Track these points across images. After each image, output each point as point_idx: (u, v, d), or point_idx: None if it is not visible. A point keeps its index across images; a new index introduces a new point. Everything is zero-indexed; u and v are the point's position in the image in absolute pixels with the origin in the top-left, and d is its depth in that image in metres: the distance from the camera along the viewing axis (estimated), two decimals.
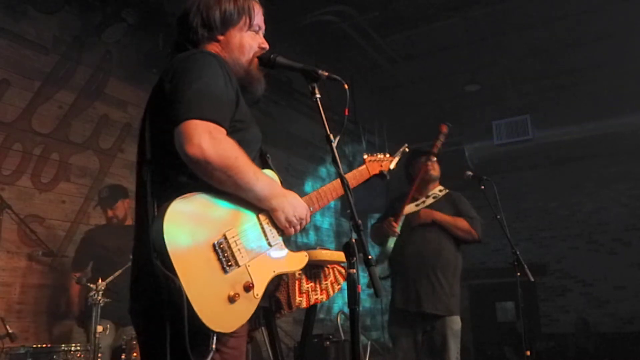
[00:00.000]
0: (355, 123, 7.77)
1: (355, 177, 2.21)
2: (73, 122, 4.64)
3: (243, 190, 1.49)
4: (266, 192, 1.55)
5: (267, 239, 1.58)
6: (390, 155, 2.50)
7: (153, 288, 1.38)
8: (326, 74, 1.67)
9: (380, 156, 2.44)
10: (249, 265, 1.49)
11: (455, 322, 3.62)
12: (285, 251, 1.64)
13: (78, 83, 4.72)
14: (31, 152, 4.31)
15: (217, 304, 1.39)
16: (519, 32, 6.53)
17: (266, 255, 1.57)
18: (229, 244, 1.46)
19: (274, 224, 1.61)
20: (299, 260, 1.69)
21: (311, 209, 1.77)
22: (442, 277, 3.66)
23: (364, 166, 2.28)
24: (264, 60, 1.74)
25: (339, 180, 1.70)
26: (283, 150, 7.08)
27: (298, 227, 1.63)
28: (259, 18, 1.76)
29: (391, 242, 3.73)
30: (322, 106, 1.64)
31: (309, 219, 1.67)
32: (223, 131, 1.46)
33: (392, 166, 2.46)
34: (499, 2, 5.87)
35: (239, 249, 1.48)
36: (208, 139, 1.40)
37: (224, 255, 1.44)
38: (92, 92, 4.82)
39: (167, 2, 4.89)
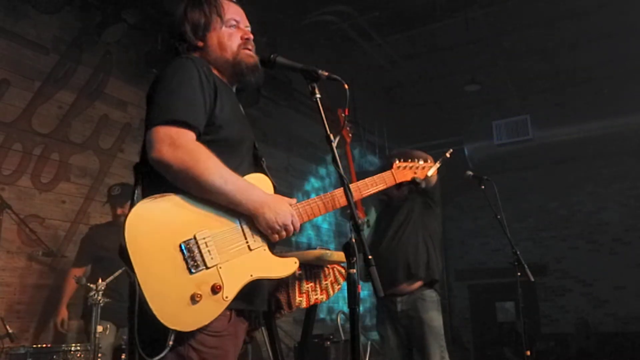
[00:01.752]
0: (356, 123, 7.78)
1: (375, 182, 1.97)
2: (73, 122, 4.64)
3: (211, 193, 1.49)
4: (239, 197, 1.53)
5: (247, 243, 1.57)
6: (430, 162, 2.24)
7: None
8: (326, 74, 1.67)
9: (417, 163, 2.18)
10: (220, 267, 1.48)
11: (433, 319, 3.52)
12: (268, 256, 1.61)
13: (78, 83, 4.72)
14: (31, 152, 4.31)
15: (177, 302, 1.40)
16: (519, 32, 6.53)
17: (244, 259, 1.55)
18: (197, 245, 1.46)
19: (257, 228, 1.60)
20: (286, 266, 1.65)
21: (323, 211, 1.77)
22: (414, 267, 3.59)
23: (389, 172, 2.06)
24: (264, 60, 1.75)
25: (342, 189, 1.69)
26: (283, 150, 7.08)
27: (283, 234, 1.60)
28: (231, 13, 1.79)
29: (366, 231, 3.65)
30: (322, 106, 1.64)
31: (297, 226, 1.63)
32: (187, 134, 1.48)
33: (429, 173, 2.21)
34: (499, 2, 5.87)
35: (209, 250, 1.48)
36: (167, 144, 1.44)
37: (190, 255, 1.45)
38: (92, 92, 4.82)
39: (167, 2, 4.89)
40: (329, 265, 2.71)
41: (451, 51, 6.97)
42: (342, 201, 1.76)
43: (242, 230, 1.57)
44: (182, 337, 1.44)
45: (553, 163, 9.45)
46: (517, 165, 9.41)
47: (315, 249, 2.65)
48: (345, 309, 2.07)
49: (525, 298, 3.73)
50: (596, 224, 9.65)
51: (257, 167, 1.77)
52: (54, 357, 3.16)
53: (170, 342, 1.40)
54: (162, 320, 1.36)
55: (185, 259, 1.44)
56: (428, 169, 2.20)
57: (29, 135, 4.30)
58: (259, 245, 1.59)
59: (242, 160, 1.67)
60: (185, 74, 1.57)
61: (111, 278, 3.30)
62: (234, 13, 1.79)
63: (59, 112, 4.55)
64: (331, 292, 2.71)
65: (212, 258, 1.47)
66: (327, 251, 2.62)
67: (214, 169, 1.48)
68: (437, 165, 2.27)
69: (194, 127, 1.50)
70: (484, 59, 7.05)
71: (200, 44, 1.75)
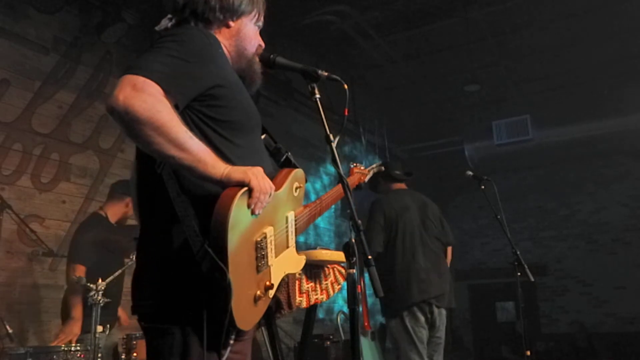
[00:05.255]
0: (355, 123, 7.78)
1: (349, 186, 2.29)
2: (73, 122, 4.64)
3: (178, 147, 1.28)
4: (207, 156, 1.33)
5: (287, 240, 1.59)
6: (365, 169, 2.63)
7: (178, 279, 1.35)
8: (326, 74, 1.66)
9: (362, 168, 2.56)
10: (272, 265, 1.48)
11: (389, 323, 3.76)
12: (295, 252, 1.65)
13: (78, 83, 4.71)
14: (31, 152, 4.30)
15: (247, 302, 1.38)
16: (519, 32, 6.53)
17: (284, 256, 1.57)
18: (266, 243, 1.44)
19: (295, 226, 1.62)
20: (301, 261, 1.71)
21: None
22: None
23: (353, 176, 2.41)
24: (263, 60, 1.74)
25: (338, 187, 1.73)
26: None
27: (264, 203, 1.42)
28: (263, 16, 1.77)
29: None
30: (322, 106, 1.64)
31: (273, 196, 1.45)
32: (156, 87, 1.29)
33: (366, 180, 2.59)
34: (499, 2, 5.87)
35: (271, 249, 1.46)
36: (129, 90, 1.26)
37: (261, 254, 1.42)
38: (92, 92, 4.82)
39: (167, 2, 4.90)
40: (329, 265, 2.72)
41: (451, 51, 6.97)
42: (332, 201, 1.90)
43: (287, 227, 1.59)
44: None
45: (553, 163, 9.45)
46: (517, 165, 9.41)
47: (315, 249, 2.66)
48: (345, 309, 2.10)
49: (525, 298, 3.73)
50: (596, 224, 9.65)
51: (284, 163, 1.77)
52: (54, 357, 3.15)
53: (232, 341, 1.37)
54: (236, 321, 1.31)
55: (257, 258, 1.40)
56: (365, 176, 2.58)
57: (29, 135, 4.30)
58: (293, 244, 1.62)
59: (256, 147, 1.61)
60: (187, 42, 1.44)
61: (111, 278, 3.30)
62: (263, 17, 1.77)
63: (59, 112, 4.55)
64: (331, 292, 2.72)
65: (272, 256, 1.47)
66: (327, 251, 2.63)
67: (178, 123, 1.30)
68: (370, 174, 2.65)
69: (166, 89, 1.32)
70: (484, 59, 7.05)
71: (233, 24, 1.66)
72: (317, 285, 2.64)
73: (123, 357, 3.44)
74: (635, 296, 8.89)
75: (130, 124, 1.27)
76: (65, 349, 3.21)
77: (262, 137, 1.75)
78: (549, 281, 9.83)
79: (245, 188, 1.33)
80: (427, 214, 3.90)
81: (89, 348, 3.18)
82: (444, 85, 7.96)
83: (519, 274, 3.61)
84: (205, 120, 1.45)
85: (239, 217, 1.33)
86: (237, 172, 1.34)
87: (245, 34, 1.68)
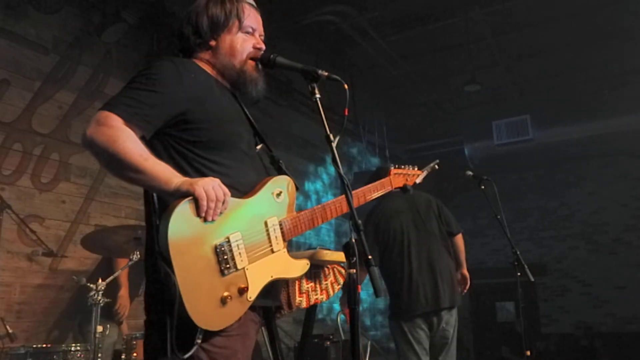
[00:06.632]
0: (356, 123, 7.78)
1: (376, 188, 2.14)
2: (73, 122, 4.63)
3: (134, 170, 1.44)
4: (161, 173, 1.45)
5: (270, 245, 1.62)
6: (419, 169, 2.47)
7: (153, 282, 1.50)
8: (326, 74, 1.67)
9: (408, 169, 2.41)
10: (247, 269, 1.53)
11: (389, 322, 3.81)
12: (287, 258, 1.67)
13: (78, 83, 4.71)
14: (31, 152, 4.30)
15: (209, 303, 1.44)
16: (519, 32, 6.53)
17: (267, 260, 1.60)
18: (230, 248, 1.49)
19: (281, 231, 1.65)
20: (301, 267, 1.73)
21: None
22: None
23: (387, 178, 2.26)
24: (263, 60, 1.75)
25: (343, 196, 1.74)
26: (283, 150, 7.07)
27: (217, 210, 1.47)
28: (250, 20, 1.78)
29: None
30: (322, 106, 1.64)
31: (227, 203, 1.50)
32: (117, 120, 1.46)
33: (418, 181, 2.43)
34: (499, 2, 5.87)
35: (240, 253, 1.51)
36: (94, 125, 1.46)
37: (224, 258, 1.47)
38: (92, 92, 4.82)
39: (167, 2, 4.90)
40: (329, 265, 2.72)
41: (451, 51, 6.97)
42: (340, 210, 1.82)
43: (267, 234, 1.62)
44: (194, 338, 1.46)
45: (553, 163, 9.45)
46: (517, 165, 9.41)
47: (315, 249, 2.66)
48: None
49: (525, 298, 3.73)
50: (596, 224, 9.65)
51: (277, 170, 1.82)
52: (54, 357, 3.15)
53: (199, 341, 1.44)
54: (195, 321, 1.39)
55: (218, 262, 1.47)
56: (416, 177, 2.42)
57: (29, 135, 4.30)
58: (280, 248, 1.65)
59: (237, 160, 1.65)
60: (158, 72, 1.57)
61: (111, 278, 3.30)
62: (252, 20, 1.79)
63: (59, 112, 4.55)
64: (331, 292, 2.72)
65: (241, 260, 1.52)
66: (327, 251, 2.62)
67: (134, 148, 1.45)
68: (425, 173, 2.49)
69: (127, 119, 1.47)
70: (484, 59, 7.05)
71: (213, 43, 1.74)
72: (317, 285, 2.64)
73: (123, 357, 3.44)
74: (635, 296, 8.89)
75: (96, 155, 1.47)
76: (65, 349, 3.21)
77: (259, 146, 1.82)
78: (549, 281, 9.83)
79: (189, 198, 1.42)
80: (422, 213, 3.77)
81: (89, 348, 3.19)
82: (444, 85, 7.96)
83: (519, 274, 3.61)
84: (182, 144, 1.58)
85: (184, 225, 1.41)
86: (185, 184, 1.45)
87: (226, 49, 1.74)
